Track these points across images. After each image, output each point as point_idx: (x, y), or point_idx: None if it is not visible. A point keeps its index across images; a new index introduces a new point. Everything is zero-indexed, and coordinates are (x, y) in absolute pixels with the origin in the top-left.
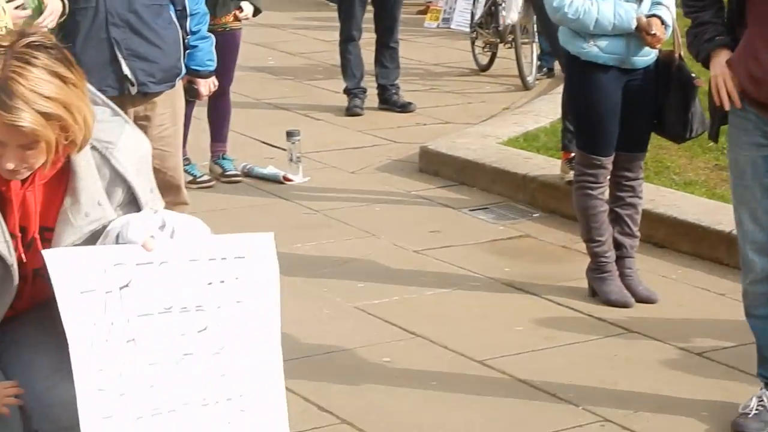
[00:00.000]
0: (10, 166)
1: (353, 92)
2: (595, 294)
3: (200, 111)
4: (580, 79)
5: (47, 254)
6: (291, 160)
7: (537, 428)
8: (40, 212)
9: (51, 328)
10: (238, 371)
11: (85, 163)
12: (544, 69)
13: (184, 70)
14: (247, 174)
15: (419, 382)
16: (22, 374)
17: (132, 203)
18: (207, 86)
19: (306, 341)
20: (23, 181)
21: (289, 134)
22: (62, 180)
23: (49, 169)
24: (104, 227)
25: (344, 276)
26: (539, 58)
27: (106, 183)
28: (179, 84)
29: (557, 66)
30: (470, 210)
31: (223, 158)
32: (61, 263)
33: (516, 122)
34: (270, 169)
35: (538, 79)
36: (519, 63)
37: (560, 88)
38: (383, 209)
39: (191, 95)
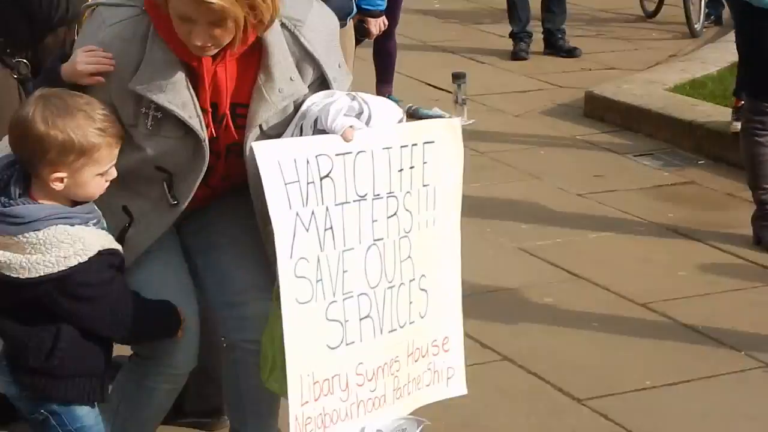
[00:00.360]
0: (199, 42)
1: (519, 36)
2: (760, 242)
3: (365, 52)
4: (751, 25)
5: (256, 146)
6: (456, 102)
7: (699, 372)
8: (233, 89)
9: (252, 238)
10: (421, 252)
11: (276, 40)
12: (712, 17)
13: (355, 9)
14: (413, 115)
15: (581, 322)
16: (221, 283)
17: (323, 83)
18: (377, 25)
19: (469, 280)
20: (214, 58)
21: (455, 77)
22: (254, 57)
23: (238, 46)
24: (295, 103)
25: (508, 217)
26: (707, 6)
27: (296, 60)
28: (350, 23)
29: (725, 14)
30: (635, 155)
31: (389, 99)
32: (269, 155)
33: (683, 69)
34: (435, 111)
35: (705, 27)
36: (686, 10)
37: (728, 36)
38: (547, 152)
39: (361, 34)
